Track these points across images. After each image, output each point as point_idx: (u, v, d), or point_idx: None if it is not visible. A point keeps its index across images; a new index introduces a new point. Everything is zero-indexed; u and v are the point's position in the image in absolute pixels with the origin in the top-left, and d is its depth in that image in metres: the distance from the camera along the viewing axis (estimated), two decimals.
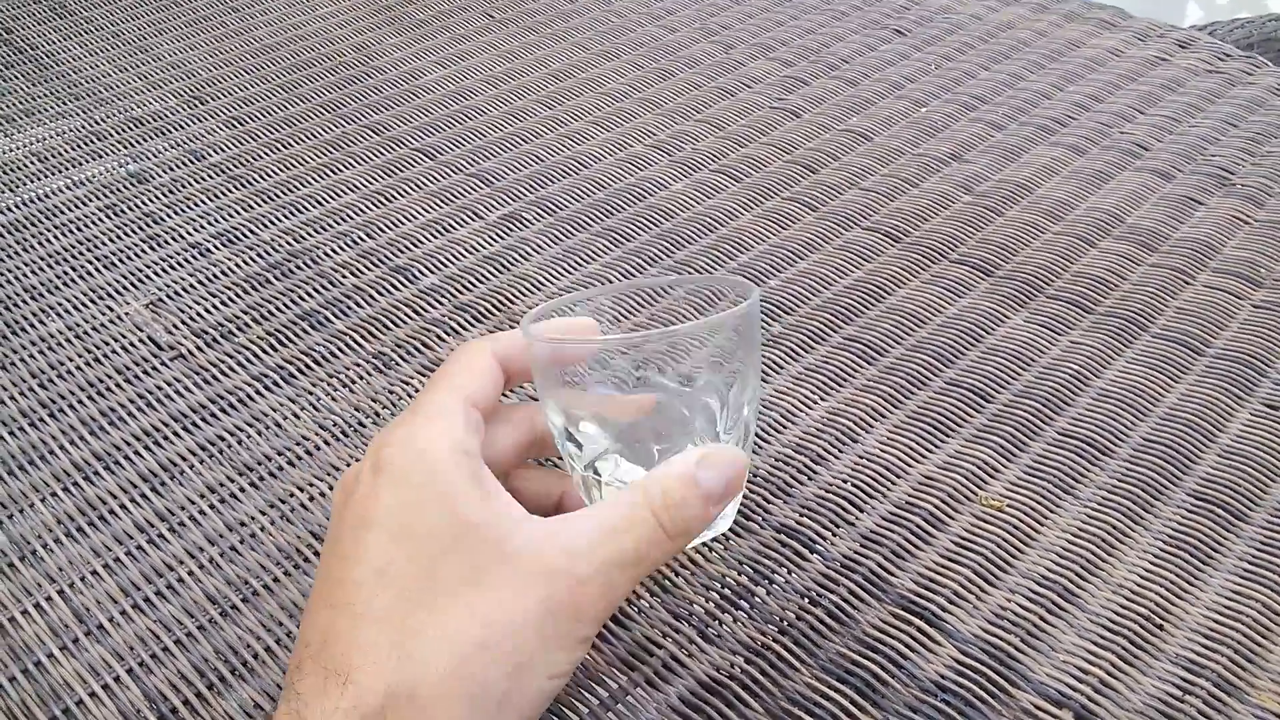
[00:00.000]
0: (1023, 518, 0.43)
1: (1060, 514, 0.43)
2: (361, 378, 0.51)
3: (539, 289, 0.56)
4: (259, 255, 0.59)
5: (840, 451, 0.46)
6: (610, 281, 0.56)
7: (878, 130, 0.69)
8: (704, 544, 0.41)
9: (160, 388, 0.51)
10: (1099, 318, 0.53)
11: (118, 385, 0.51)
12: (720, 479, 0.33)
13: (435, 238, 0.60)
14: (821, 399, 0.49)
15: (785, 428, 0.47)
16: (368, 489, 0.32)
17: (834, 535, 0.42)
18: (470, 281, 0.57)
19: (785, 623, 0.39)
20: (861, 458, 0.45)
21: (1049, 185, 0.63)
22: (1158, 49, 0.78)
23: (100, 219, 0.63)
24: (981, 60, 0.77)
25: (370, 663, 0.29)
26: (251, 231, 0.61)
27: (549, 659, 0.30)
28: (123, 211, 0.64)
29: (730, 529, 0.42)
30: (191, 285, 0.57)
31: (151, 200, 0.64)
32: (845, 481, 0.44)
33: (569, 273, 0.57)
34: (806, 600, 0.40)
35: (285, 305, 0.56)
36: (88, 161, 0.68)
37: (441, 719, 0.29)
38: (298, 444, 0.47)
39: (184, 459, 0.47)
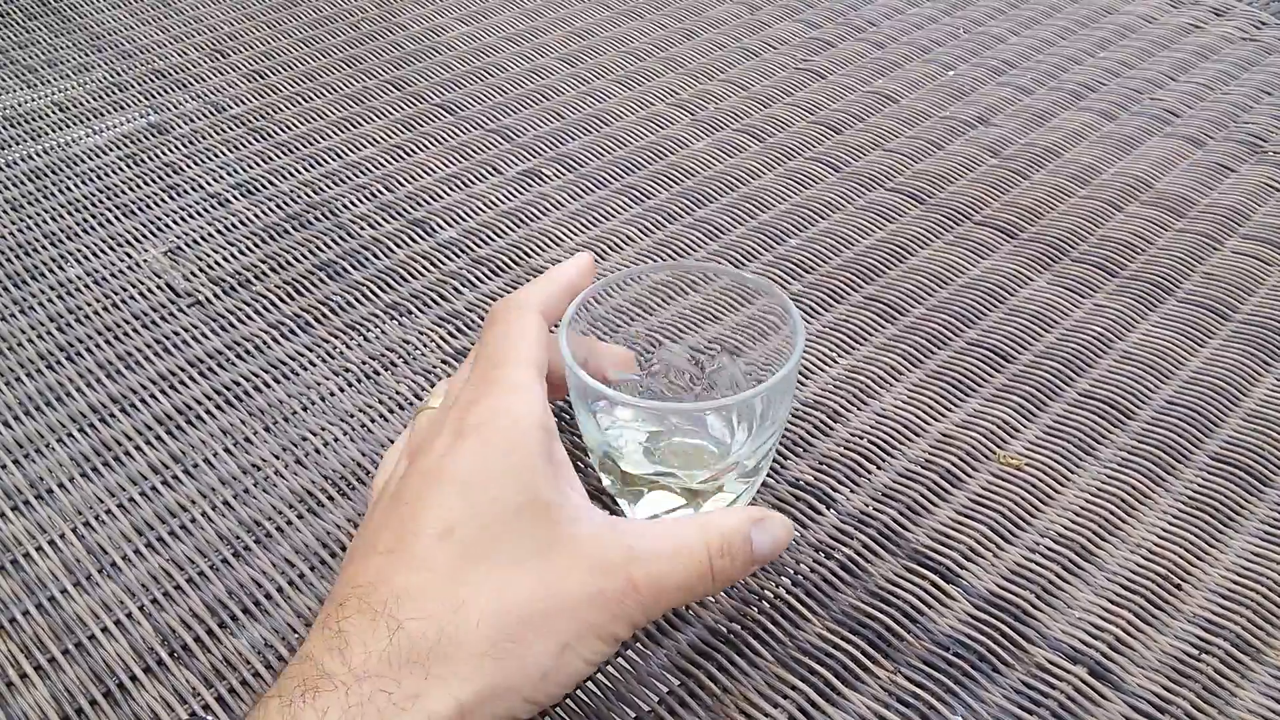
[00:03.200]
0: (1041, 477, 0.42)
1: (1080, 474, 0.42)
2: (377, 328, 0.51)
3: (558, 244, 0.56)
4: (278, 206, 0.59)
5: (858, 408, 0.45)
6: (631, 240, 0.56)
7: (903, 93, 0.68)
8: None
9: (177, 333, 0.51)
10: (1124, 281, 0.52)
11: (135, 330, 0.51)
12: (769, 544, 0.34)
13: (454, 192, 0.60)
14: (840, 356, 0.48)
15: (803, 384, 0.47)
16: (447, 448, 0.32)
17: (849, 490, 0.42)
18: (489, 235, 0.57)
19: (798, 574, 0.39)
20: (879, 415, 0.45)
21: (1077, 150, 0.62)
22: (1192, 16, 0.76)
23: (120, 168, 0.63)
24: (1011, 25, 0.76)
25: (423, 613, 0.29)
26: (271, 183, 0.61)
27: (590, 645, 0.31)
28: (143, 161, 0.64)
29: None
30: (210, 234, 0.57)
31: (172, 150, 0.64)
32: (862, 438, 0.44)
33: (588, 228, 0.57)
34: (820, 553, 0.39)
35: (303, 255, 0.56)
36: (109, 112, 0.68)
37: (484, 679, 0.29)
38: (312, 389, 0.47)
39: (199, 403, 0.47)
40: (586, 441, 0.38)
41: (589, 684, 0.35)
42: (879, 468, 0.43)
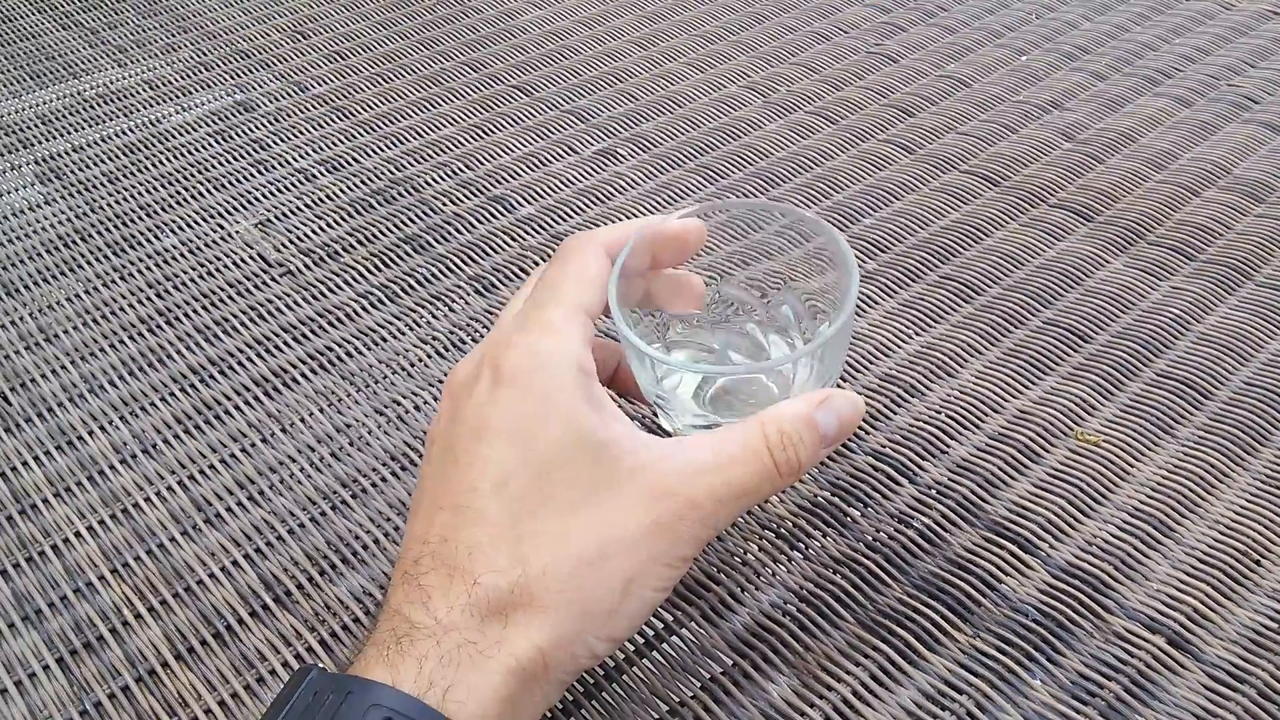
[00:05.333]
0: (1119, 453, 0.42)
1: (1157, 452, 0.43)
2: (462, 299, 0.52)
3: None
4: (362, 182, 0.61)
5: (934, 384, 0.46)
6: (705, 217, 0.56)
7: (976, 77, 0.68)
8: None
9: (270, 301, 0.53)
10: (1201, 265, 0.52)
11: (229, 298, 0.53)
12: (836, 423, 0.33)
13: (531, 170, 0.62)
14: (916, 334, 0.49)
15: (878, 360, 0.47)
16: (486, 396, 0.33)
17: (928, 462, 0.42)
18: (566, 212, 0.58)
19: (877, 542, 0.39)
20: (957, 390, 0.46)
21: (1153, 135, 0.62)
22: (1271, 2, 0.76)
23: (210, 144, 0.65)
24: (1084, 11, 0.75)
25: (494, 567, 0.30)
26: (354, 159, 0.63)
27: (655, 574, 0.31)
28: (231, 137, 0.66)
29: None
30: (298, 208, 0.59)
31: (258, 127, 0.66)
32: (939, 412, 0.45)
33: (662, 207, 0.58)
34: (898, 522, 0.40)
35: (388, 229, 0.57)
36: (196, 90, 0.70)
37: (558, 626, 0.30)
38: (401, 356, 0.49)
39: (294, 366, 0.48)
40: (639, 383, 0.37)
41: (675, 638, 0.37)
42: (957, 442, 0.43)
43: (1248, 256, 0.52)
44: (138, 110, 0.69)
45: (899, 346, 0.48)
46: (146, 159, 0.64)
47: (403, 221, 0.58)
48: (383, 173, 0.62)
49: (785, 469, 0.32)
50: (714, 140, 0.63)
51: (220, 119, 0.68)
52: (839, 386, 0.45)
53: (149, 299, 0.53)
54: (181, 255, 0.56)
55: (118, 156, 0.64)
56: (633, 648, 0.36)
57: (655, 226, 0.36)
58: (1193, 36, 0.72)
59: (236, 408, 0.47)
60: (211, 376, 0.48)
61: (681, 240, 0.37)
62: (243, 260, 0.55)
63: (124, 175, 0.63)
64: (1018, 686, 0.35)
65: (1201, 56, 0.69)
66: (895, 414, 0.45)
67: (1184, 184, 0.58)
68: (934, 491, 0.41)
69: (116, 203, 0.60)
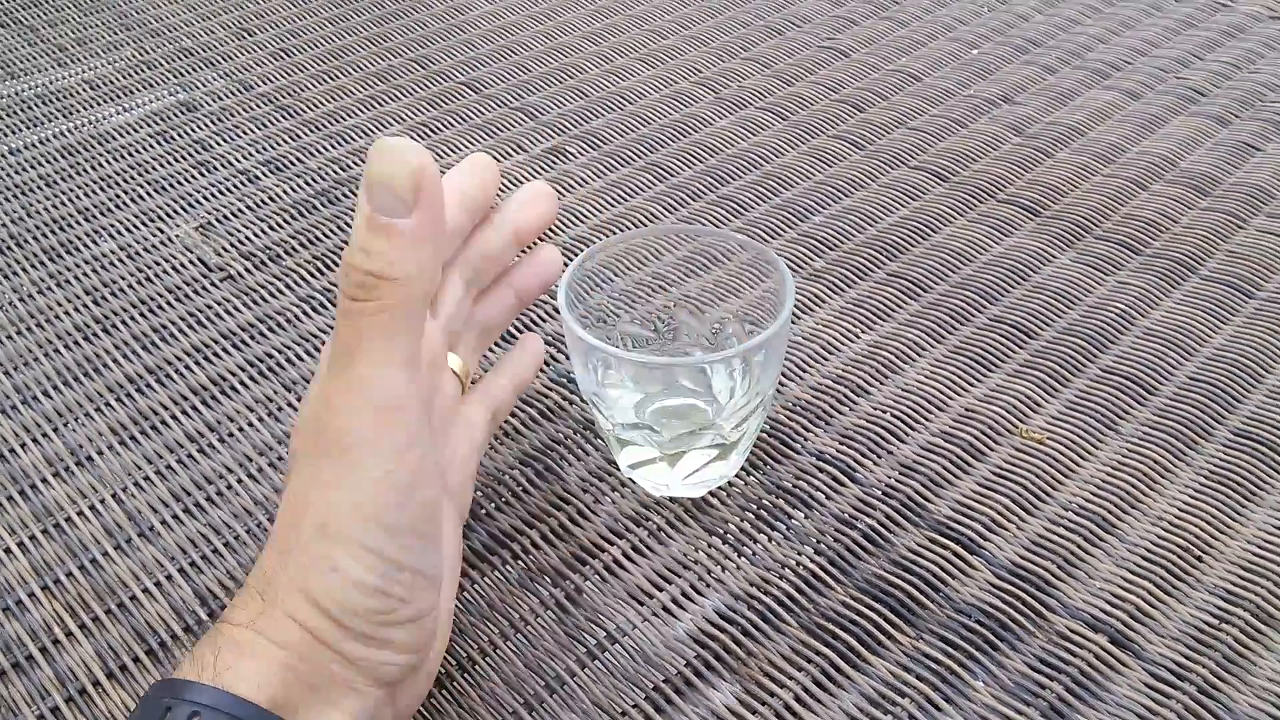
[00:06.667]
0: (1063, 450, 0.42)
1: (1102, 448, 0.43)
2: None
3: (582, 220, 0.56)
4: (306, 183, 0.60)
5: (881, 383, 0.46)
6: (655, 217, 0.56)
7: (927, 71, 0.68)
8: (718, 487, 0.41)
9: (210, 307, 0.51)
10: (1147, 259, 0.52)
11: (168, 304, 0.52)
12: (388, 195, 0.27)
13: None
14: (863, 332, 0.48)
15: (825, 359, 0.47)
16: None
17: (872, 463, 0.42)
18: None
19: (821, 544, 0.39)
20: (902, 389, 0.45)
21: (1101, 129, 0.62)
22: None
23: (151, 145, 0.64)
24: (1035, 3, 0.76)
25: (275, 540, 0.30)
26: (298, 159, 0.62)
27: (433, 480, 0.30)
28: (173, 138, 0.64)
29: (766, 455, 0.42)
30: (240, 210, 0.58)
31: (200, 128, 0.65)
32: (885, 412, 0.44)
33: (613, 205, 0.57)
34: (842, 524, 0.40)
35: (331, 231, 0.56)
36: (139, 90, 0.69)
37: (358, 545, 0.29)
38: None
39: (233, 374, 0.48)
40: (579, 382, 0.39)
41: (618, 646, 0.36)
42: (902, 441, 0.43)
43: (1193, 250, 0.53)
44: (78, 111, 0.67)
45: (846, 345, 0.48)
46: (86, 161, 0.63)
47: (347, 223, 0.57)
48: (327, 173, 0.61)
49: (349, 290, 0.28)
50: (664, 137, 0.63)
51: (162, 119, 0.66)
52: (778, 394, 0.45)
53: (85, 306, 0.52)
54: (119, 260, 0.55)
55: (56, 159, 0.63)
56: (574, 658, 0.36)
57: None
58: (1142, 29, 0.72)
59: (174, 417, 0.46)
60: (149, 385, 0.47)
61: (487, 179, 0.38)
62: (182, 265, 0.54)
63: (62, 178, 0.61)
64: (960, 689, 0.35)
65: (1150, 49, 0.70)
66: (842, 414, 0.44)
67: (1131, 178, 0.58)
68: (878, 492, 0.41)
69: (54, 207, 0.59)
